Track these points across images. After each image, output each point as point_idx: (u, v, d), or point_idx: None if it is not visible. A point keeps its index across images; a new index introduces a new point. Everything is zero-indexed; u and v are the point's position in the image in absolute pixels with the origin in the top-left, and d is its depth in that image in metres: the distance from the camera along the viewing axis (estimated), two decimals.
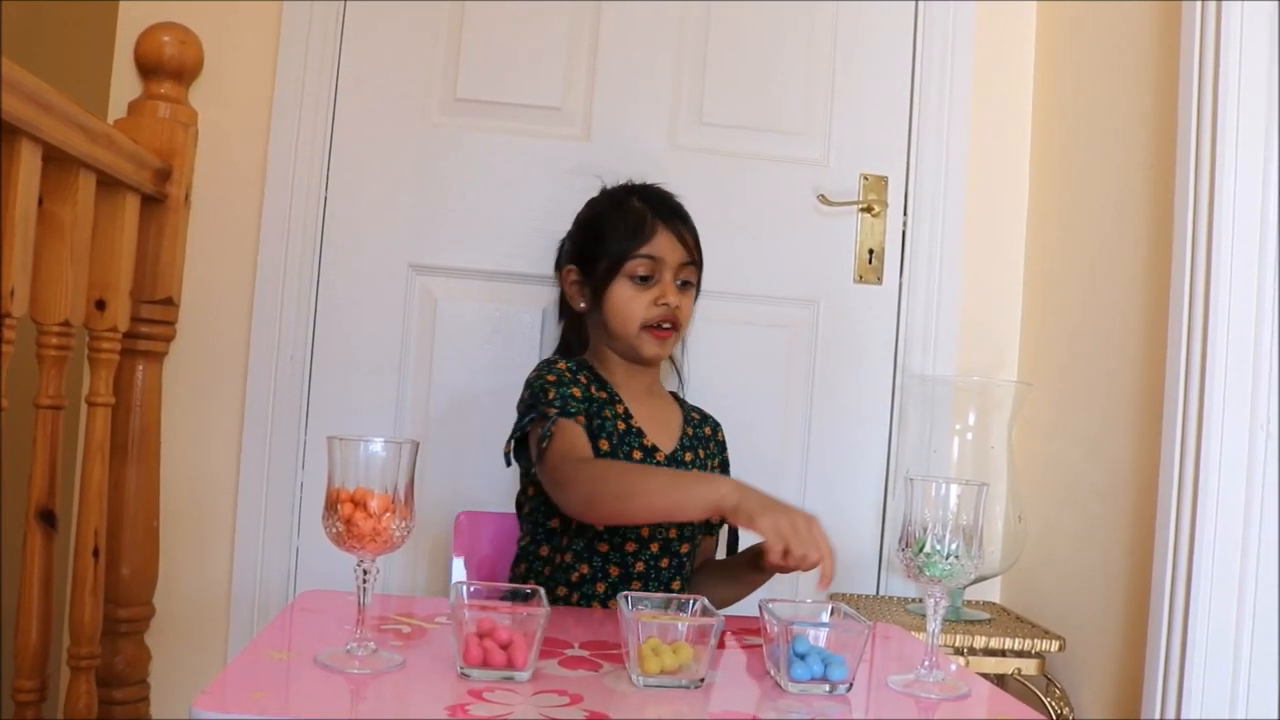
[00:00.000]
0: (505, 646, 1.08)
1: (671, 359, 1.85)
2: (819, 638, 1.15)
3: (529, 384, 1.61)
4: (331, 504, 1.11)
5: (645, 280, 1.62)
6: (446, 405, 2.02)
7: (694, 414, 1.75)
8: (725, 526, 1.76)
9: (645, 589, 1.59)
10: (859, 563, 2.12)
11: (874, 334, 2.13)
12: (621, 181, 1.74)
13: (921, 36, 2.15)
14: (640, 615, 1.13)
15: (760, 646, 1.23)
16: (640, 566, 1.60)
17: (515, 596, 1.20)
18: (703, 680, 1.11)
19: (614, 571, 1.59)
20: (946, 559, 1.18)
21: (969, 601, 2.02)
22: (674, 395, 1.79)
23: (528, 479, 1.64)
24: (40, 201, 1.45)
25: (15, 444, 1.46)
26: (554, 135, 2.07)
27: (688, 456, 1.66)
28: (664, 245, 1.62)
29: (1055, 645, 1.78)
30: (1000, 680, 1.78)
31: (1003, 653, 1.78)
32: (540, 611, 1.09)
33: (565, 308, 1.78)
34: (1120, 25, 1.89)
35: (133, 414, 1.85)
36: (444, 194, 2.03)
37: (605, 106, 2.08)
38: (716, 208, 2.03)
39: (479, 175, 2.04)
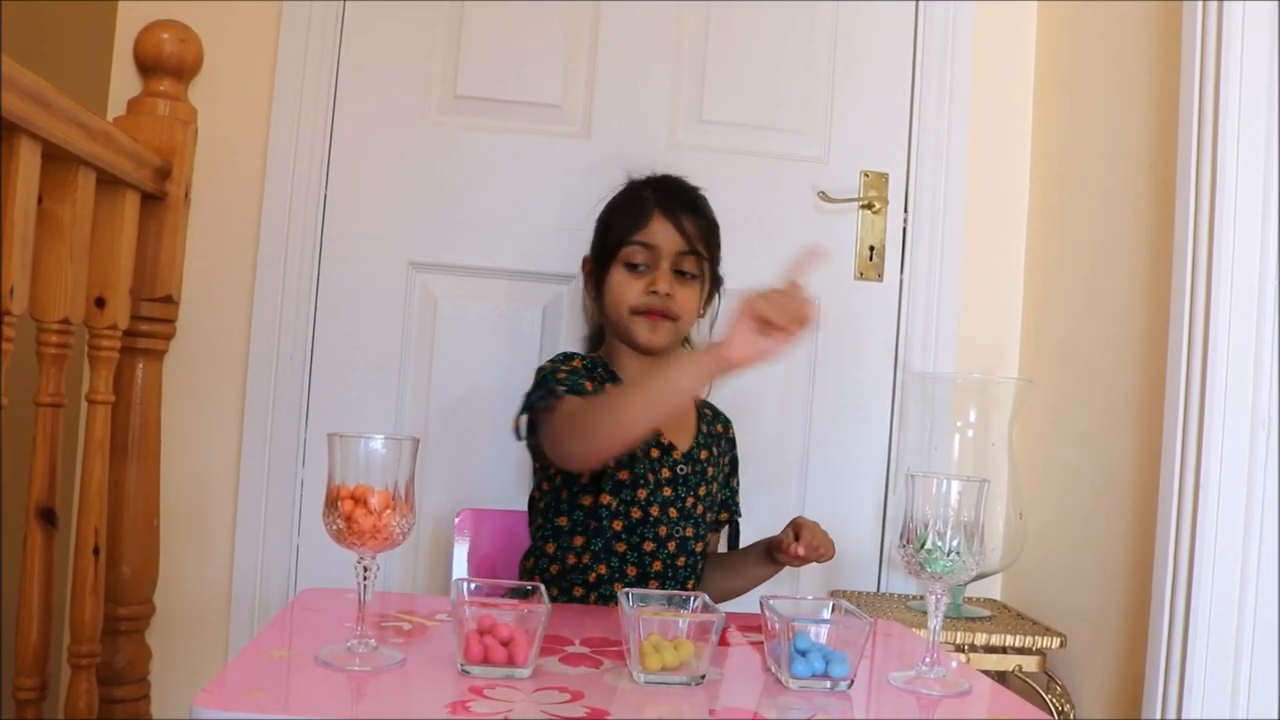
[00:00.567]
0: (506, 643, 1.08)
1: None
2: (820, 634, 1.15)
3: (540, 371, 1.58)
4: (332, 501, 1.11)
5: (640, 268, 1.61)
6: (447, 403, 2.02)
7: (706, 410, 1.74)
8: (727, 523, 1.76)
9: (663, 589, 1.57)
10: (860, 559, 2.12)
11: (875, 331, 2.13)
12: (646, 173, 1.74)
13: (922, 33, 2.14)
14: (641, 612, 1.13)
15: (761, 643, 1.23)
16: (658, 566, 1.59)
17: (516, 593, 1.20)
18: (704, 677, 1.11)
19: (631, 571, 1.58)
20: (947, 556, 1.17)
21: (970, 598, 2.02)
22: None
23: (542, 474, 1.64)
24: (40, 199, 1.45)
25: (15, 442, 1.46)
26: (554, 133, 2.06)
27: (703, 455, 1.65)
28: (660, 233, 1.61)
29: (1056, 642, 1.78)
30: (1001, 677, 1.78)
31: (1003, 649, 1.78)
32: (541, 608, 1.09)
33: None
34: (1121, 23, 1.88)
35: (133, 412, 1.85)
36: (444, 192, 2.03)
37: (605, 104, 2.08)
38: (717, 205, 2.01)
39: (479, 173, 2.04)
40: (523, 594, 1.20)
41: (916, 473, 1.22)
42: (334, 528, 1.11)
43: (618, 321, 1.63)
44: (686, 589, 1.60)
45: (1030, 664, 1.79)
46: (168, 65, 1.88)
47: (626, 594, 1.17)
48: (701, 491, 1.63)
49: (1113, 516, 1.78)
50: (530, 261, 2.01)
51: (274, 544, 1.97)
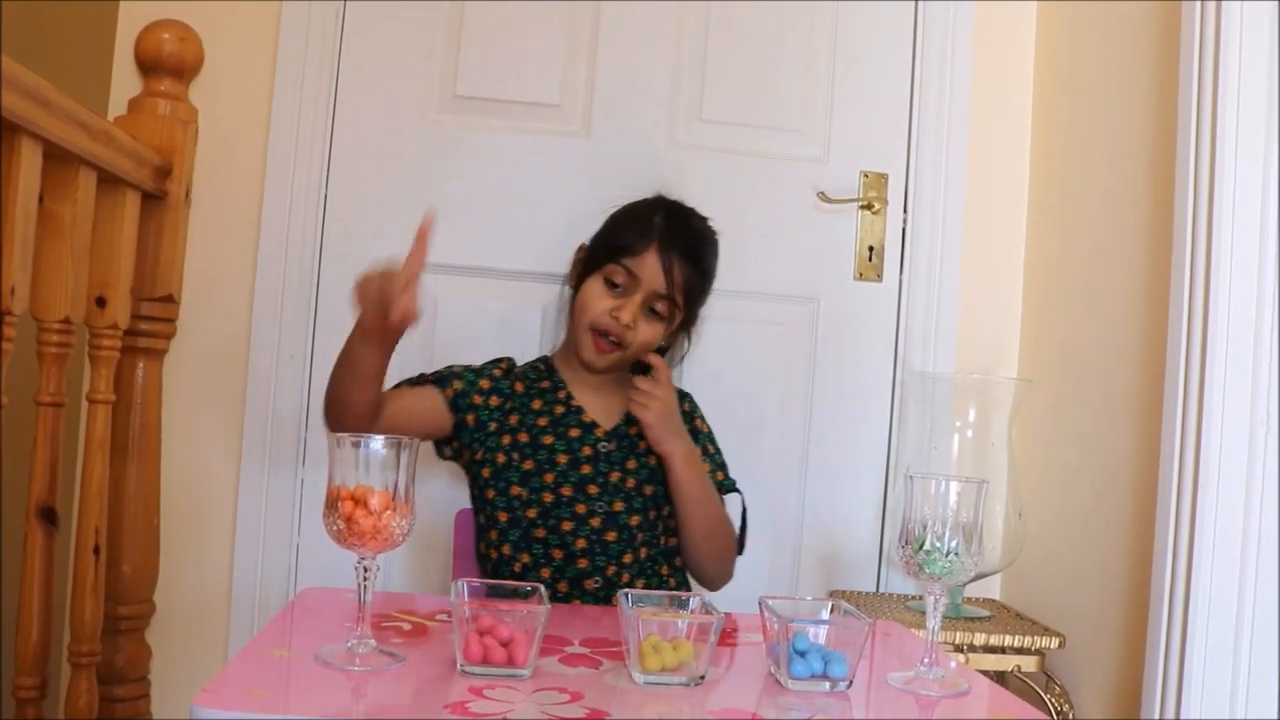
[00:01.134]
0: (506, 644, 1.08)
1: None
2: (819, 635, 1.16)
3: None
4: (332, 502, 1.11)
5: (616, 288, 1.63)
6: None
7: None
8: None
9: (592, 565, 1.61)
10: (859, 559, 2.12)
11: (874, 331, 2.13)
12: (625, 189, 1.74)
13: (921, 33, 2.14)
14: (640, 613, 1.13)
15: (760, 643, 1.23)
16: (581, 543, 1.61)
17: (516, 594, 1.20)
18: (703, 677, 1.11)
19: (557, 554, 1.61)
20: (946, 556, 1.18)
21: (969, 598, 2.02)
22: None
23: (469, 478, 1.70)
24: (40, 199, 1.45)
25: (16, 442, 1.46)
26: (554, 133, 2.06)
27: (632, 430, 1.67)
28: (647, 266, 1.61)
29: (1055, 642, 1.78)
30: (1000, 677, 1.78)
31: (1002, 650, 1.79)
32: (541, 609, 1.10)
33: None
34: (1120, 23, 1.89)
35: (133, 411, 1.85)
36: (444, 191, 2.03)
37: (605, 104, 2.08)
38: (716, 205, 2.01)
39: (479, 173, 2.04)
40: (522, 594, 1.20)
41: (915, 473, 1.22)
42: (334, 528, 1.11)
43: (576, 327, 1.67)
44: (624, 563, 1.62)
45: (1029, 664, 1.79)
46: (168, 65, 1.88)
47: (626, 595, 1.17)
48: (631, 465, 1.65)
49: (1112, 516, 1.78)
50: (530, 261, 2.02)
51: (274, 543, 1.97)
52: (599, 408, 1.69)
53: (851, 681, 1.13)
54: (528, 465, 1.63)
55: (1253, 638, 1.51)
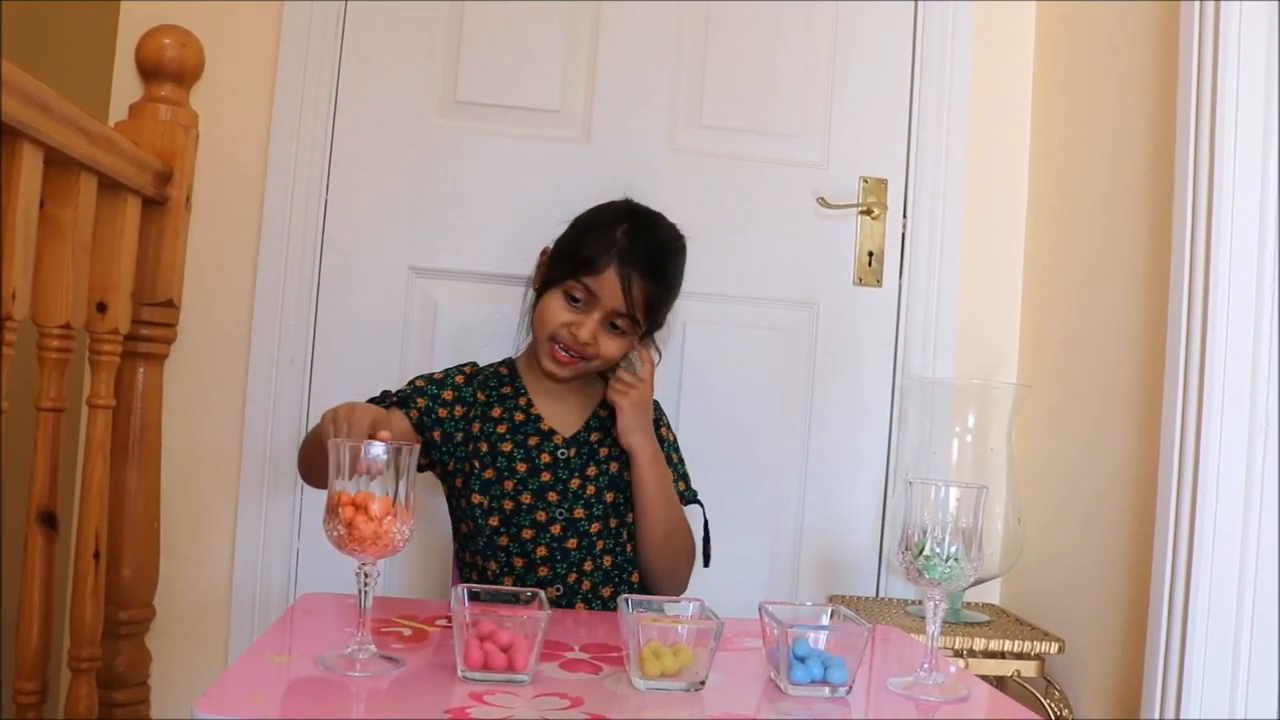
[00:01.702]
0: (506, 649, 1.09)
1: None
2: (819, 640, 1.16)
3: None
4: (333, 507, 1.11)
5: (576, 303, 1.62)
6: None
7: None
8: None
9: (553, 572, 1.61)
10: (859, 564, 2.12)
11: (873, 336, 2.13)
12: (625, 194, 1.74)
13: (920, 39, 2.15)
14: (640, 618, 1.14)
15: (760, 649, 1.23)
16: (542, 551, 1.62)
17: (516, 599, 1.20)
18: (703, 683, 1.11)
19: (518, 563, 1.62)
20: (946, 562, 1.18)
21: (968, 603, 2.02)
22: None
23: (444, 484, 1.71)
24: (41, 204, 1.45)
25: (16, 446, 1.46)
26: (554, 138, 2.07)
27: (594, 437, 1.68)
28: (606, 286, 1.60)
29: (1055, 647, 1.78)
30: (1000, 682, 1.78)
31: (1002, 654, 1.79)
32: (541, 615, 1.10)
33: None
34: (1119, 27, 1.89)
35: (133, 416, 1.86)
36: (444, 196, 2.04)
37: (605, 109, 2.08)
38: (716, 210, 2.04)
39: (479, 178, 2.04)
40: (523, 600, 1.20)
41: (915, 479, 1.22)
42: (335, 534, 1.11)
43: (535, 339, 1.67)
44: (584, 570, 1.63)
45: (1029, 669, 1.79)
46: (169, 70, 1.89)
47: (626, 600, 1.17)
48: (591, 472, 1.65)
49: (1111, 521, 1.79)
50: (530, 266, 2.00)
51: (274, 548, 1.97)
52: (558, 414, 1.68)
53: (851, 687, 1.13)
54: (488, 474, 1.63)
55: (1252, 642, 1.51)
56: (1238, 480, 1.52)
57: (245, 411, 1.97)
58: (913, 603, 2.01)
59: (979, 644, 1.78)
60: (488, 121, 2.06)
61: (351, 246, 2.01)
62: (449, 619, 1.29)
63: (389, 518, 1.11)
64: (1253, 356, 1.52)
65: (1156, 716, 1.55)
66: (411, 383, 1.68)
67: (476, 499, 1.63)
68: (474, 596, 1.18)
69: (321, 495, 1.14)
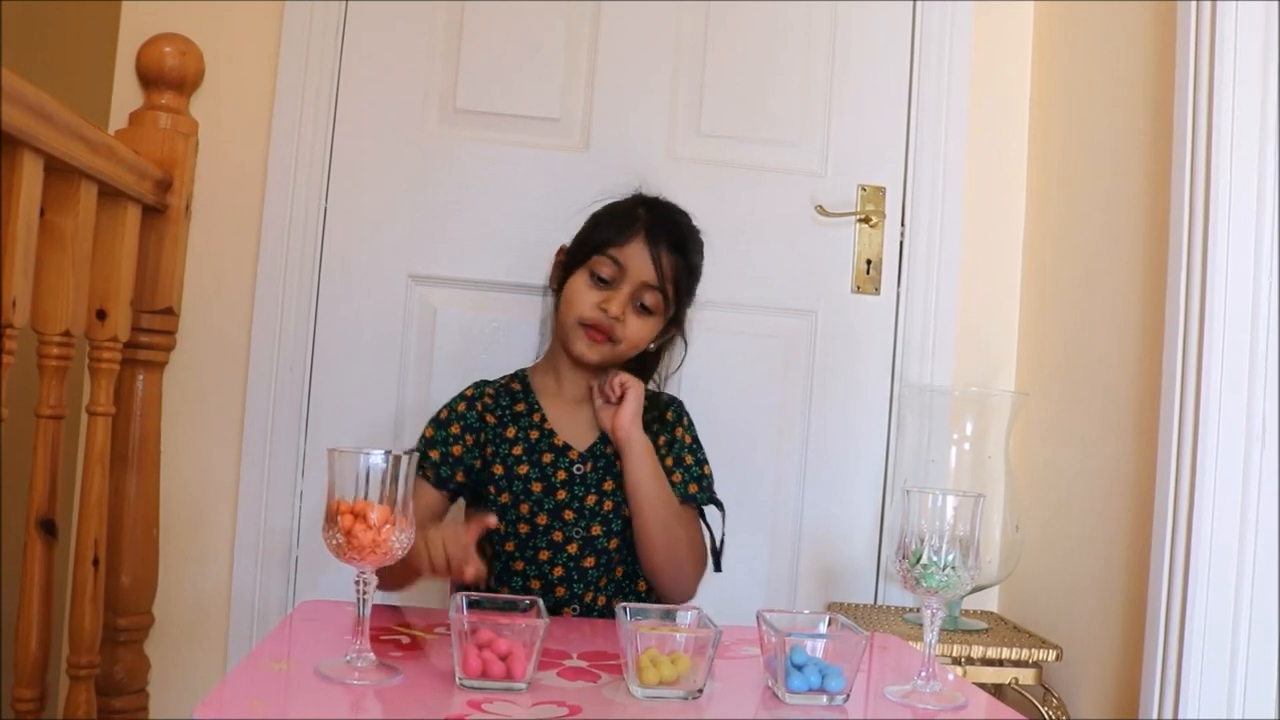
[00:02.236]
0: (504, 657, 1.09)
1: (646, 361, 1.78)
2: (816, 648, 1.16)
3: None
4: (332, 516, 1.11)
5: (603, 281, 1.61)
6: None
7: (644, 401, 1.68)
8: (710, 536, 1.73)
9: (570, 593, 1.60)
10: (856, 572, 2.12)
11: (871, 344, 2.14)
12: (654, 193, 1.74)
13: (919, 47, 2.15)
14: (639, 626, 1.14)
15: (758, 657, 1.23)
16: (559, 571, 1.60)
17: (514, 607, 1.21)
18: (701, 691, 1.12)
19: (534, 585, 1.61)
20: (943, 570, 1.18)
21: (966, 611, 2.02)
22: None
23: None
24: (42, 212, 1.45)
25: (16, 454, 1.47)
26: (553, 146, 2.07)
27: (609, 449, 1.64)
28: (634, 256, 1.59)
29: (1052, 655, 1.79)
30: (998, 690, 1.78)
31: (1000, 662, 1.79)
32: (539, 623, 1.10)
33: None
34: (1117, 31, 1.89)
35: (133, 423, 1.86)
36: (443, 204, 2.04)
37: (603, 118, 2.09)
38: (714, 218, 2.03)
39: (478, 186, 2.05)
40: (521, 608, 1.21)
41: (913, 486, 1.23)
42: (334, 542, 1.11)
43: (563, 325, 1.64)
44: (600, 586, 1.61)
45: (1027, 676, 1.80)
46: (169, 78, 1.89)
47: (624, 608, 1.18)
48: (608, 487, 1.62)
49: (1109, 529, 1.79)
50: (529, 274, 2.02)
51: (273, 555, 1.98)
52: (572, 428, 1.65)
53: (849, 695, 1.13)
54: (504, 499, 1.61)
55: (1249, 650, 1.51)
56: (1235, 488, 1.52)
57: (244, 419, 1.97)
58: (911, 610, 2.02)
59: (977, 651, 1.78)
60: (487, 129, 2.06)
61: (351, 254, 2.02)
62: (447, 627, 1.29)
63: (388, 526, 1.11)
64: (1249, 364, 1.52)
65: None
66: (422, 436, 1.66)
67: (492, 524, 1.60)
68: (472, 604, 1.18)
69: (322, 500, 1.14)
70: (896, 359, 2.14)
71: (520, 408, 1.67)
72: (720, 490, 1.71)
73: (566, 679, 1.16)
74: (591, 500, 1.62)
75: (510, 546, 1.61)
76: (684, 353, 1.78)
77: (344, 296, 2.02)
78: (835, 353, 2.13)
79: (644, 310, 1.62)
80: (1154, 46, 1.76)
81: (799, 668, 1.13)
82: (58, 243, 1.52)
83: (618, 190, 1.75)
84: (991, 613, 2.09)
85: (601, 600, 1.62)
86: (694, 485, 1.68)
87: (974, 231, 2.16)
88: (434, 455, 1.62)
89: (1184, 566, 1.52)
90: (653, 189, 1.75)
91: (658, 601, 1.66)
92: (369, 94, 2.03)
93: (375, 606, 1.22)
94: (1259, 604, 1.51)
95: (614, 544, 1.62)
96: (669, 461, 1.67)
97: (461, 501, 1.70)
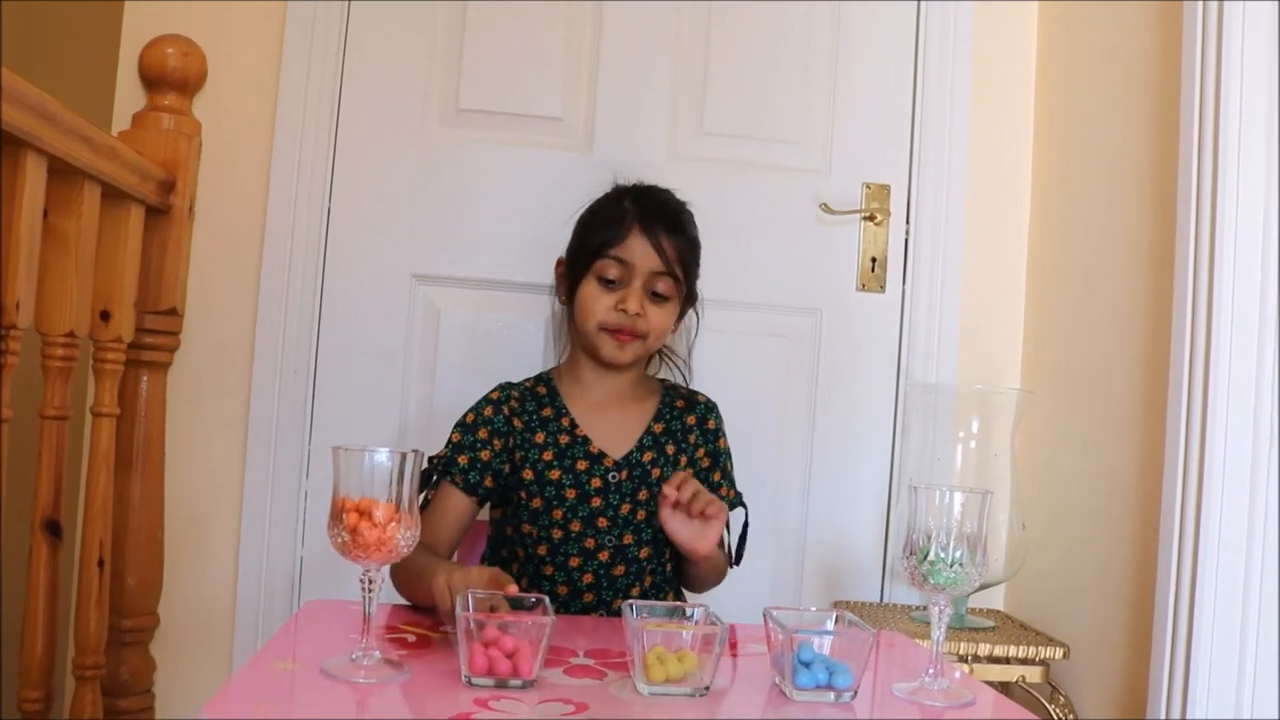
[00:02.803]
0: (510, 655, 1.08)
1: (668, 358, 1.82)
2: (823, 645, 1.15)
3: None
4: (337, 514, 1.11)
5: (613, 284, 1.59)
6: (450, 414, 2.00)
7: (679, 402, 1.70)
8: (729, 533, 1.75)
9: (598, 599, 1.58)
10: (861, 571, 2.12)
11: (876, 342, 2.14)
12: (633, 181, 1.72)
13: (922, 44, 2.15)
14: (645, 624, 1.13)
15: (765, 654, 1.23)
16: (588, 578, 1.59)
17: (520, 605, 1.20)
18: (708, 688, 1.11)
19: (562, 590, 1.58)
20: (951, 567, 1.18)
21: (973, 609, 2.02)
22: (665, 383, 1.75)
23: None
24: (45, 213, 1.45)
25: (20, 455, 1.47)
26: (555, 146, 2.07)
27: (646, 457, 1.62)
28: (636, 250, 1.58)
29: (1060, 652, 1.78)
30: (1005, 688, 1.78)
31: (1007, 660, 1.79)
32: (545, 620, 1.10)
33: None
34: (1121, 29, 1.89)
35: (137, 424, 1.86)
36: (446, 204, 2.04)
37: (606, 117, 2.08)
38: (718, 217, 2.03)
39: (481, 186, 2.05)
40: (527, 605, 1.20)
41: (919, 484, 1.22)
42: (339, 540, 1.11)
43: (585, 334, 1.62)
44: (631, 595, 1.59)
45: (1034, 674, 1.79)
46: (172, 79, 1.89)
47: (630, 606, 1.17)
48: (642, 496, 1.60)
49: (1115, 526, 1.78)
50: (533, 273, 2.02)
51: (278, 555, 1.98)
52: (606, 434, 1.63)
53: (856, 692, 1.13)
54: (535, 503, 1.59)
55: (1257, 647, 1.51)
56: (1242, 484, 1.51)
57: (249, 419, 1.97)
58: (917, 608, 2.01)
59: (984, 649, 1.78)
60: (490, 129, 2.06)
61: (354, 254, 2.02)
62: (453, 625, 1.29)
63: (393, 524, 1.10)
64: (1257, 360, 1.52)
65: (1163, 718, 1.55)
66: (449, 439, 1.63)
67: (526, 528, 1.59)
68: (478, 602, 1.18)
69: (325, 502, 1.14)
70: (902, 357, 2.13)
71: (547, 412, 1.64)
72: None
73: (573, 677, 1.15)
74: (626, 509, 1.60)
75: (542, 550, 1.59)
76: (696, 330, 1.77)
77: (347, 297, 2.02)
78: (840, 351, 2.13)
79: (659, 298, 1.61)
80: (1158, 45, 1.75)
81: (806, 665, 1.12)
82: (61, 244, 1.52)
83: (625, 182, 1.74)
84: (998, 611, 2.09)
85: None
86: (732, 491, 1.70)
87: (978, 229, 2.16)
88: (462, 461, 1.59)
89: (1192, 563, 1.52)
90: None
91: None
92: (371, 94, 2.03)
93: (380, 606, 1.21)
94: (1267, 599, 1.50)
95: (644, 553, 1.61)
96: (716, 476, 1.69)
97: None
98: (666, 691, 1.10)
